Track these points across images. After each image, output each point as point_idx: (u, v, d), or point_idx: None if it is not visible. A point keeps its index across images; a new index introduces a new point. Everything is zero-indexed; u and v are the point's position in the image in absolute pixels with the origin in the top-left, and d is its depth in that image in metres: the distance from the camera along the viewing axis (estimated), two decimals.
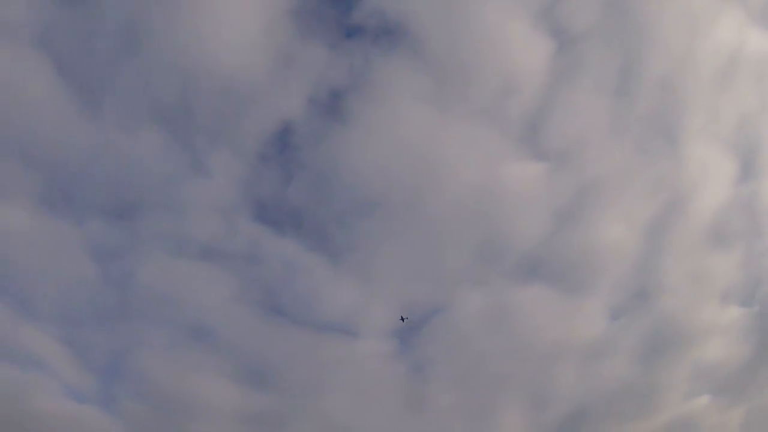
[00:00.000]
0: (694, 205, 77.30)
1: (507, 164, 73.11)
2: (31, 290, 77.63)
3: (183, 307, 71.37)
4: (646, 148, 77.64)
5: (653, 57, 75.85)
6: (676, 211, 77.25)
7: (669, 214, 77.13)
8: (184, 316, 72.44)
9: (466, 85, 71.32)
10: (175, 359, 73.48)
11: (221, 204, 74.78)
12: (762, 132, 77.53)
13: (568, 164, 75.23)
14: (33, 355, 78.28)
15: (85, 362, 78.78)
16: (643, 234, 76.33)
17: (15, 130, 76.07)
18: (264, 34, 70.45)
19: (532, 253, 74.21)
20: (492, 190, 72.28)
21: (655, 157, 77.58)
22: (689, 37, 75.58)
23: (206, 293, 71.29)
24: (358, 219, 75.57)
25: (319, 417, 78.74)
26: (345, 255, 74.82)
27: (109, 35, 72.52)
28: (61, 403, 75.44)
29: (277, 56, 70.89)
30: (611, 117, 76.15)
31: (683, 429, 68.44)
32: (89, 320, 78.96)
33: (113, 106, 74.21)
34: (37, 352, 76.08)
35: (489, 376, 74.11)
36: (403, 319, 70.40)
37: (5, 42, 73.85)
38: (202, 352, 72.09)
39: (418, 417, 78.34)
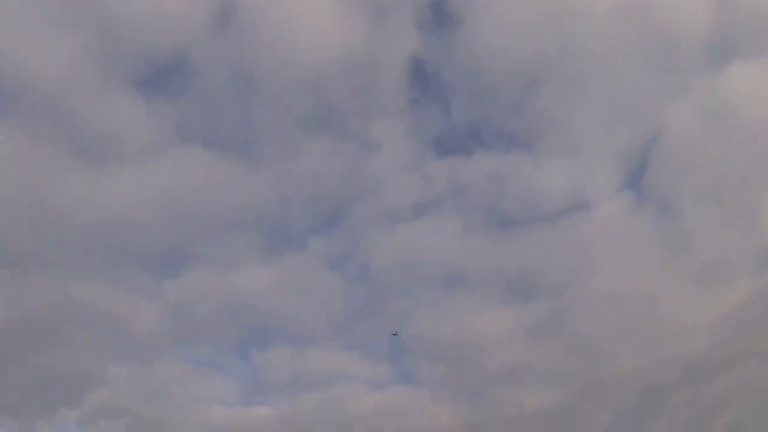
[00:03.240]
0: None
1: None
2: (306, 323, 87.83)
3: (427, 262, 74.69)
4: None
5: None
6: None
7: None
8: (433, 270, 75.80)
9: None
10: (440, 309, 77.50)
11: (405, 162, 77.16)
12: None
13: None
14: (333, 372, 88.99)
15: (372, 356, 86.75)
16: None
17: (224, 206, 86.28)
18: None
19: (712, 37, 66.39)
20: None
21: None
22: None
23: (439, 240, 73.73)
24: (530, 101, 72.62)
25: (592, 305, 77.94)
26: (538, 140, 72.90)
27: (233, 96, 77.94)
28: (370, 397, 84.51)
29: (372, 12, 71.35)
30: None
31: None
32: (357, 320, 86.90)
33: (268, 145, 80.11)
34: (335, 367, 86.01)
35: (738, 181, 67.75)
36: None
37: (193, 150, 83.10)
38: (463, 292, 75.02)
39: (683, 256, 74.06)
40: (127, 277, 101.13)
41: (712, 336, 71.63)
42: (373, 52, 71.96)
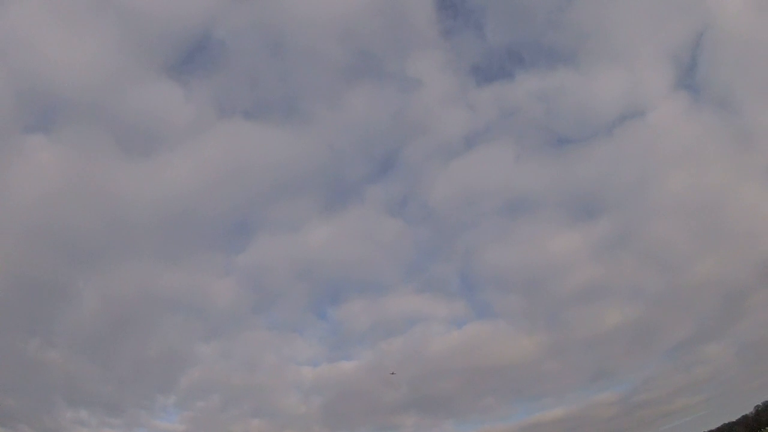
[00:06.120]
0: None
1: None
2: (376, 271, 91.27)
3: (485, 193, 75.45)
4: None
5: None
6: None
7: None
8: (493, 200, 76.72)
9: None
10: (506, 239, 78.27)
11: (447, 95, 77.19)
12: None
13: None
14: (410, 315, 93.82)
15: (446, 294, 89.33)
16: None
17: (278, 171, 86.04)
18: None
19: None
20: None
21: None
22: None
23: (495, 168, 74.17)
24: (567, 10, 69.89)
25: (660, 214, 76.96)
26: (581, 51, 71.80)
27: None
28: (450, 335, 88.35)
29: None
30: None
31: None
32: (425, 261, 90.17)
33: (309, 102, 77.99)
34: (411, 310, 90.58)
35: None
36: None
37: (235, 123, 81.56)
38: (526, 219, 75.47)
39: (748, 153, 72.27)
40: (198, 258, 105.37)
41: None
42: None
